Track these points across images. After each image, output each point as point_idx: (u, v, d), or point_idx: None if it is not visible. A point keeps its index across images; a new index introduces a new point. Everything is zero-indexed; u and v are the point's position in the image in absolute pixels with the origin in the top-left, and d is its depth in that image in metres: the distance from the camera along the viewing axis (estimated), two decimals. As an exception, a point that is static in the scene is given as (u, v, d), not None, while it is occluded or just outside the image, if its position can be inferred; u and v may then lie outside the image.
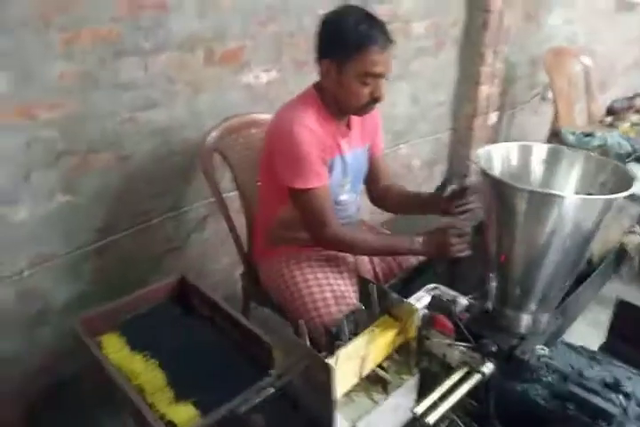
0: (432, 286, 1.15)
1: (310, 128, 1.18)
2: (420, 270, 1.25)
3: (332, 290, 1.24)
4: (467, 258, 1.23)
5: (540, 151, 0.92)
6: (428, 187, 2.86)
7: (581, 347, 0.92)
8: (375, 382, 0.81)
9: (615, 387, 0.78)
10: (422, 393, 0.84)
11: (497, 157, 0.91)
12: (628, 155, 2.89)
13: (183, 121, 1.55)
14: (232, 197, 1.53)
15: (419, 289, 1.11)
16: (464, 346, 0.84)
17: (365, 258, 1.38)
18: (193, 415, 0.88)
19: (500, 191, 0.83)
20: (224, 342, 1.06)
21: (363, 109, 1.23)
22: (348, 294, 1.24)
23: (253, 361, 1.00)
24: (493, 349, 0.84)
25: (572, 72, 3.11)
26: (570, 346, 0.92)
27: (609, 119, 3.55)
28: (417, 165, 2.64)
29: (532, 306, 0.89)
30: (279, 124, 1.22)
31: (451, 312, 0.89)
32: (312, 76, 1.82)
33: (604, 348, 1.03)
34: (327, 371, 0.67)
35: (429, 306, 0.94)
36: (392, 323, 0.83)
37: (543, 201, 0.77)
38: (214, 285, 1.88)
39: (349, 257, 1.35)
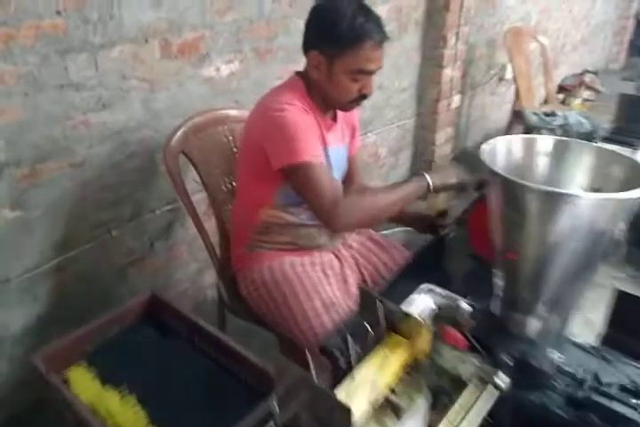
0: (425, 286, 1.14)
1: (300, 106, 1.14)
2: (409, 269, 1.24)
3: (320, 298, 1.20)
4: (453, 253, 1.24)
5: (545, 144, 0.91)
6: (395, 174, 2.88)
7: (591, 347, 0.92)
8: (385, 408, 0.79)
9: (635, 391, 0.79)
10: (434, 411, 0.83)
11: (500, 151, 0.89)
12: (589, 134, 3.01)
13: (140, 121, 1.45)
14: (197, 200, 1.45)
15: (410, 290, 1.11)
16: (476, 359, 0.83)
17: (350, 260, 1.35)
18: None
19: (508, 190, 0.81)
20: (208, 368, 1.00)
21: (349, 105, 1.21)
22: (337, 301, 1.21)
23: (244, 388, 0.95)
24: (508, 360, 0.83)
25: (529, 51, 3.19)
26: (577, 345, 0.93)
27: (560, 96, 3.68)
28: (383, 153, 2.63)
29: (543, 310, 0.88)
30: (267, 110, 1.15)
31: (459, 323, 0.88)
32: (274, 65, 1.79)
33: (603, 341, 1.04)
34: (345, 414, 0.63)
35: (436, 317, 0.92)
36: (401, 341, 0.81)
37: (556, 200, 0.75)
38: (182, 294, 1.82)
39: (334, 260, 1.32)
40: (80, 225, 1.42)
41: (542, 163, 0.90)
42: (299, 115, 1.12)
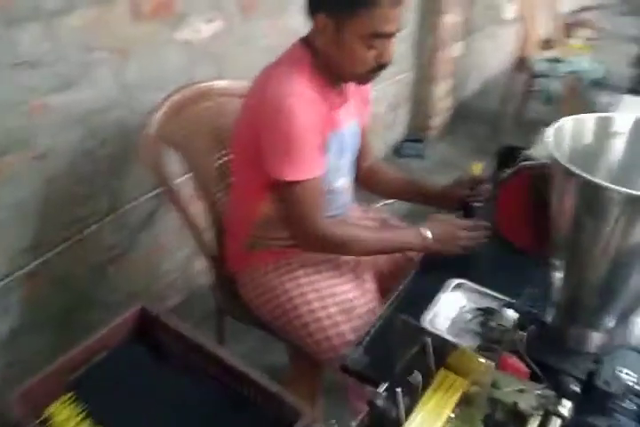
0: (456, 282, 1.05)
1: (307, 98, 1.00)
2: (431, 261, 1.14)
3: (335, 302, 1.09)
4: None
5: (623, 124, 0.78)
6: (393, 133, 2.75)
7: None
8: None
9: None
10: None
11: (568, 134, 0.77)
12: (601, 80, 2.88)
13: (111, 99, 1.29)
14: (182, 182, 1.32)
15: (437, 286, 1.02)
16: (538, 387, 0.75)
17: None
18: None
19: (578, 186, 0.70)
20: (212, 392, 0.91)
21: (365, 77, 1.06)
22: (355, 303, 1.11)
23: (258, 415, 0.87)
24: (574, 385, 0.75)
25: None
26: (633, 349, 0.86)
27: (554, 38, 3.49)
28: (382, 111, 2.48)
29: (610, 322, 0.80)
30: (266, 97, 1.02)
31: (515, 345, 0.79)
32: (262, 22, 1.60)
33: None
34: None
35: (483, 339, 0.83)
36: (453, 379, 0.71)
37: (638, 204, 0.65)
38: (171, 285, 1.72)
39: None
40: (52, 225, 1.29)
41: (618, 146, 0.79)
42: (306, 116, 1.00)
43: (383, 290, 1.19)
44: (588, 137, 0.79)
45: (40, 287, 1.32)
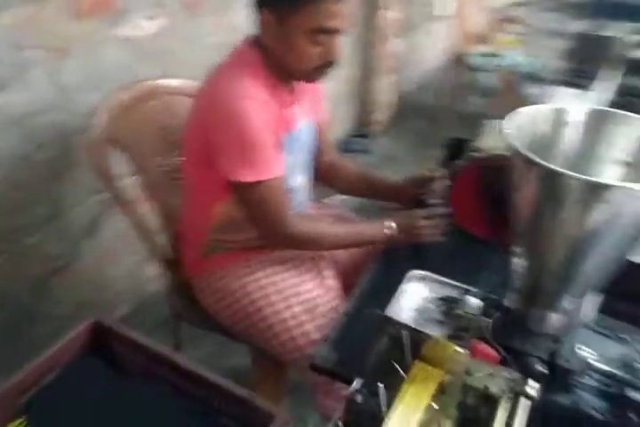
0: (418, 273, 1.07)
1: (260, 100, 0.98)
2: (390, 255, 1.16)
3: (299, 302, 1.08)
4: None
5: (576, 115, 0.82)
6: (338, 130, 2.75)
7: (602, 327, 0.90)
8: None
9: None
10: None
11: (523, 124, 0.79)
12: (532, 73, 3.00)
13: (48, 101, 1.22)
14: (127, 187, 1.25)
15: (398, 278, 1.03)
16: (506, 371, 0.77)
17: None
18: None
19: (537, 174, 0.72)
20: (176, 404, 0.88)
21: (313, 75, 1.04)
22: (318, 301, 1.10)
23: (222, 421, 0.85)
24: (541, 368, 0.78)
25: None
26: (588, 327, 0.91)
27: (485, 33, 3.63)
28: (328, 108, 2.48)
29: (567, 304, 0.84)
30: (218, 99, 0.99)
31: (482, 331, 0.82)
32: (207, 19, 1.56)
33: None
34: None
35: (450, 328, 0.85)
36: (429, 370, 0.73)
37: (596, 191, 0.68)
38: (120, 294, 1.65)
39: (307, 252, 1.21)
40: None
41: (570, 135, 0.82)
42: (260, 117, 0.98)
43: (345, 287, 1.20)
44: (542, 127, 0.82)
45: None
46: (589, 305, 0.88)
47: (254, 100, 0.97)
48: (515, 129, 0.76)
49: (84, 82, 1.27)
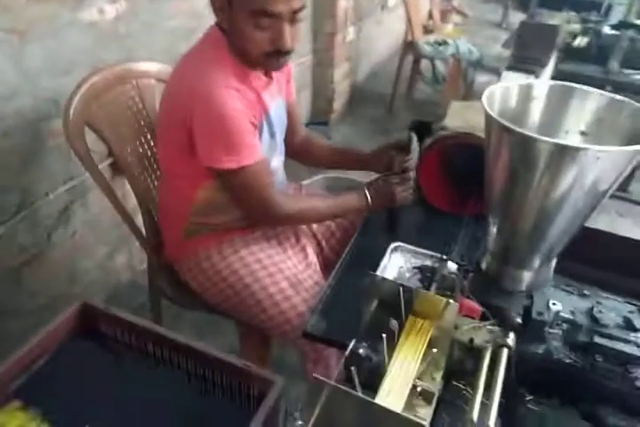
0: (394, 245, 1.12)
1: (234, 87, 0.98)
2: (365, 228, 1.20)
3: (284, 277, 1.10)
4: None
5: (544, 90, 0.87)
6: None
7: (564, 284, 0.97)
8: (415, 395, 0.76)
9: (630, 327, 0.85)
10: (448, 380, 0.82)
11: (497, 99, 0.84)
12: (478, 61, 3.12)
13: (12, 86, 1.17)
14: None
15: (376, 250, 1.08)
16: (489, 324, 0.83)
17: (303, 226, 1.27)
18: None
19: (511, 141, 0.78)
20: (172, 379, 0.88)
21: (265, 62, 1.01)
22: (302, 277, 1.13)
23: (220, 393, 0.87)
24: (518, 319, 0.84)
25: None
26: (554, 285, 0.98)
27: (430, 22, 3.75)
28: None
29: (537, 263, 0.90)
30: (193, 89, 0.98)
31: (462, 290, 0.87)
32: (168, 4, 1.53)
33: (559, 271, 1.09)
34: None
35: (436, 286, 0.90)
36: (423, 323, 0.77)
37: (564, 154, 0.74)
38: (93, 283, 1.63)
39: (287, 229, 1.23)
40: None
41: (537, 108, 0.88)
42: (236, 104, 0.98)
43: (325, 261, 1.24)
44: (512, 102, 0.87)
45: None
46: (553, 264, 0.95)
47: (228, 88, 0.97)
48: (489, 103, 0.81)
49: (47, 65, 1.23)
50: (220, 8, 0.97)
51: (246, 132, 1.00)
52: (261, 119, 1.07)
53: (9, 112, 1.19)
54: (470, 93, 3.12)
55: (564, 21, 2.50)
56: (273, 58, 1.00)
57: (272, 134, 1.12)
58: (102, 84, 1.13)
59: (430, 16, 3.48)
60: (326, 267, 1.20)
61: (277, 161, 1.19)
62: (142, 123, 1.22)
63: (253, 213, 1.11)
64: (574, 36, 2.38)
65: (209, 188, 1.09)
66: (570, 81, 0.87)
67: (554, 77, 2.09)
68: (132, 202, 1.22)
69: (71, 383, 0.87)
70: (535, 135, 0.72)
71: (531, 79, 1.95)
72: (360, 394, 0.60)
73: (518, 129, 0.73)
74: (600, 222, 1.10)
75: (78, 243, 1.52)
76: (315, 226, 1.29)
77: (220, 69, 0.98)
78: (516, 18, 4.49)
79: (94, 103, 1.12)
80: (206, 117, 0.97)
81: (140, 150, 1.22)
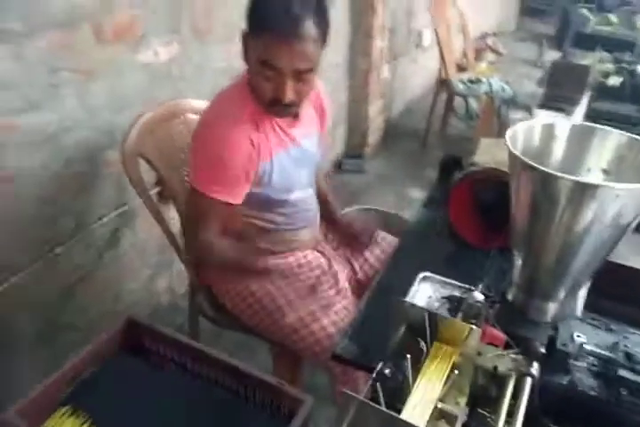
0: (422, 274, 1.15)
1: (242, 127, 1.03)
2: (399, 256, 1.23)
3: (315, 299, 1.15)
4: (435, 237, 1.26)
5: (566, 129, 0.92)
6: (333, 150, 2.84)
7: (591, 318, 0.98)
8: (437, 417, 0.78)
9: (659, 363, 0.85)
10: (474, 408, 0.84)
11: (520, 137, 0.89)
12: (511, 99, 3.17)
13: (76, 119, 1.28)
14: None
15: (406, 279, 1.11)
16: (513, 353, 0.85)
17: (336, 255, 1.32)
18: None
19: (533, 178, 0.81)
20: (209, 394, 0.94)
21: (269, 109, 1.04)
22: (333, 300, 1.17)
23: (263, 411, 0.91)
24: (542, 349, 0.86)
25: (450, 18, 3.24)
26: (580, 319, 0.99)
27: (464, 61, 3.83)
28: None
29: (562, 294, 0.92)
30: (202, 120, 1.07)
31: (487, 318, 0.89)
32: (217, 47, 1.65)
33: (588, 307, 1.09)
34: None
35: (462, 314, 0.92)
36: (447, 349, 0.80)
37: (584, 191, 0.77)
38: (134, 306, 1.70)
39: (320, 258, 1.27)
40: (16, 248, 1.25)
41: (559, 147, 0.92)
42: (226, 136, 1.02)
43: (358, 287, 1.27)
44: (535, 140, 0.92)
45: (6, 315, 1.27)
46: (580, 296, 0.97)
47: (236, 124, 1.02)
48: (512, 142, 0.86)
49: (108, 101, 1.33)
50: (244, 53, 1.03)
51: (233, 169, 1.03)
52: (274, 157, 1.09)
53: (71, 143, 1.29)
54: (503, 130, 3.11)
55: (597, 61, 2.54)
56: (276, 106, 1.02)
57: (296, 167, 1.15)
58: (155, 119, 1.23)
59: (464, 55, 3.56)
60: (359, 292, 1.23)
61: (302, 193, 1.21)
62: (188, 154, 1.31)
63: (187, 232, 1.18)
64: (607, 75, 2.41)
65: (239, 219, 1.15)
66: (604, 119, 0.91)
67: (587, 116, 2.10)
68: (176, 227, 1.30)
69: (116, 394, 0.93)
70: (555, 173, 0.76)
71: (560, 117, 1.98)
72: (385, 409, 0.63)
73: (540, 166, 0.78)
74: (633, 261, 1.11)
75: (125, 264, 1.60)
76: (348, 253, 1.33)
77: (237, 103, 1.05)
78: (551, 56, 4.54)
79: (148, 136, 1.21)
80: (196, 141, 1.05)
81: (187, 179, 1.30)
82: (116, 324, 1.03)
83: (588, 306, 1.00)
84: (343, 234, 1.35)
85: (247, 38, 1.00)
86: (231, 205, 1.07)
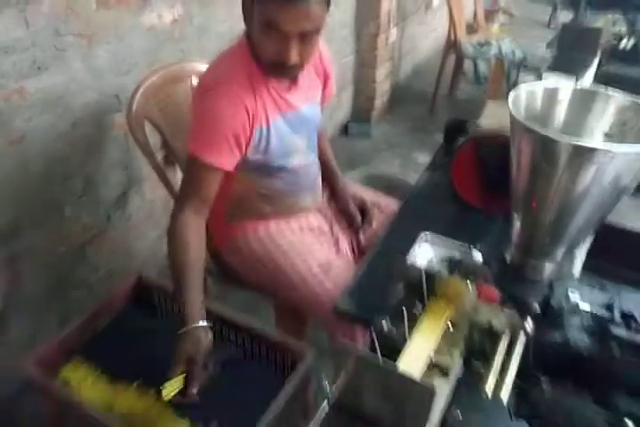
0: (424, 236, 1.17)
1: (236, 90, 1.01)
2: (401, 219, 1.24)
3: (315, 258, 1.17)
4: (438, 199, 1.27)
5: (568, 93, 0.91)
6: (338, 114, 2.83)
7: (587, 278, 1.00)
8: (431, 368, 0.81)
9: (648, 319, 0.87)
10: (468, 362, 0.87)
11: (523, 100, 0.89)
12: (521, 61, 3.10)
13: (82, 82, 1.28)
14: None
15: (407, 240, 1.13)
16: (508, 310, 0.87)
17: (338, 217, 1.34)
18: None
19: (534, 141, 0.82)
20: (215, 348, 0.97)
21: (272, 71, 1.02)
22: (333, 261, 1.19)
23: (267, 362, 0.95)
24: (537, 306, 0.89)
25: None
26: (576, 279, 1.01)
27: (475, 23, 3.72)
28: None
29: (558, 255, 0.94)
30: (200, 84, 1.06)
31: (484, 277, 0.92)
32: (219, 9, 1.63)
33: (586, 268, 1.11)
34: (428, 397, 0.64)
35: (460, 272, 0.95)
36: (443, 304, 0.83)
37: (587, 154, 0.78)
38: (143, 265, 1.74)
39: (321, 220, 1.29)
40: (26, 208, 1.28)
41: (562, 110, 0.91)
42: (224, 101, 1.00)
43: (361, 253, 1.29)
44: (539, 103, 0.91)
45: (20, 272, 1.31)
46: (577, 256, 0.99)
47: (225, 85, 1.00)
48: (515, 105, 0.86)
49: (112, 64, 1.33)
50: (244, 14, 1.01)
51: (223, 134, 1.02)
52: (272, 122, 1.08)
53: (78, 105, 1.30)
54: (512, 94, 3.09)
55: (610, 23, 2.47)
56: (279, 68, 1.01)
57: (293, 133, 1.14)
58: (160, 82, 1.23)
59: (475, 16, 3.46)
60: (362, 257, 1.26)
61: (304, 159, 1.20)
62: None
63: (175, 203, 1.10)
64: (620, 38, 2.34)
65: (242, 180, 1.15)
66: (615, 82, 0.90)
67: (597, 79, 2.06)
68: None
69: (126, 344, 0.98)
70: (552, 136, 0.77)
71: (565, 81, 1.94)
72: (380, 357, 0.66)
73: (537, 129, 0.78)
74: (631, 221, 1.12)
75: (133, 226, 1.64)
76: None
77: (234, 66, 1.03)
78: (566, 17, 4.41)
79: (153, 99, 1.22)
80: (195, 105, 1.03)
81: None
82: (126, 281, 1.07)
83: (586, 268, 1.03)
84: (341, 212, 1.34)
85: (253, 1, 0.97)
86: (223, 171, 1.05)
